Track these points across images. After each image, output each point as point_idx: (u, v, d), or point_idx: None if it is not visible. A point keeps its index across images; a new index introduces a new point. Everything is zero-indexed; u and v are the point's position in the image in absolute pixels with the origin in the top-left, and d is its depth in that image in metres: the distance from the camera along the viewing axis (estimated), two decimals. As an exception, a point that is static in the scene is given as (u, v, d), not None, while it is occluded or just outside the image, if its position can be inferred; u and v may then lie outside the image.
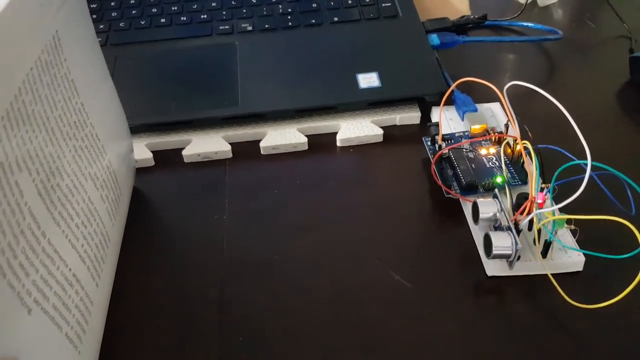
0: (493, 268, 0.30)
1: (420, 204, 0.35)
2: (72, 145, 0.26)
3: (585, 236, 0.30)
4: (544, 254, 0.30)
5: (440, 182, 0.34)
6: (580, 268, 0.30)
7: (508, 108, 0.33)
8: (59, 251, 0.23)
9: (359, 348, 0.28)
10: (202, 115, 0.39)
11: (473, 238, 0.32)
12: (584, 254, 0.30)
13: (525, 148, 0.33)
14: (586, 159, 0.27)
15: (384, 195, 0.36)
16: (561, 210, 0.29)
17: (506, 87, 0.32)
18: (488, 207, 0.31)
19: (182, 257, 0.32)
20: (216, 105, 0.40)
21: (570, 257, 0.30)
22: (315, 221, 0.34)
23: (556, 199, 0.30)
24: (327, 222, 0.34)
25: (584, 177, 0.27)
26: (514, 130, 0.33)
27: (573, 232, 0.30)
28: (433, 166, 0.34)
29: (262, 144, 0.39)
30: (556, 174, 0.29)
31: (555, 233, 0.29)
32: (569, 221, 0.29)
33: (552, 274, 0.29)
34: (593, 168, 0.27)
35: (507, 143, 0.35)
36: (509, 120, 0.34)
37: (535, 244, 0.30)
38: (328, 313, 0.29)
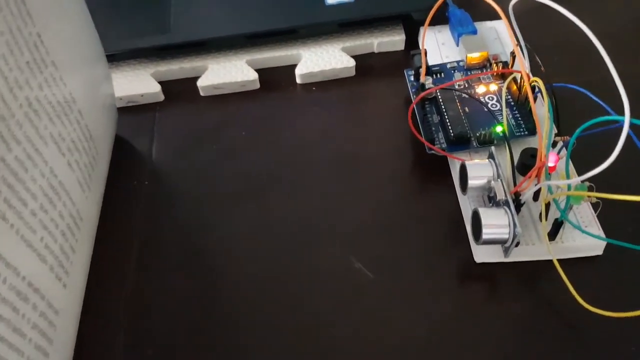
0: (483, 253, 0.23)
1: (397, 161, 0.27)
2: (23, 98, 0.18)
3: (608, 210, 0.22)
4: (552, 235, 0.22)
5: (419, 135, 0.26)
6: (599, 251, 0.23)
7: (514, 32, 0.24)
8: (5, 256, 0.16)
9: (306, 353, 0.21)
10: (124, 47, 0.31)
11: (461, 210, 0.25)
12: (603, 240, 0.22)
13: (535, 87, 0.25)
14: (618, 109, 0.19)
15: (354, 150, 0.28)
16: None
17: (512, 3, 0.23)
18: (480, 170, 0.23)
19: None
20: (142, 32, 0.31)
21: (586, 239, 0.22)
22: (262, 186, 0.27)
23: (573, 159, 0.22)
24: (275, 187, 0.27)
25: (614, 132, 0.19)
26: (522, 63, 0.25)
27: (594, 205, 0.23)
28: (410, 113, 0.26)
29: (200, 83, 0.31)
30: (578, 131, 0.21)
31: (570, 210, 0.21)
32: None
33: (560, 260, 0.21)
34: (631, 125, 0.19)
35: (514, 78, 0.27)
36: (512, 45, 0.26)
37: (541, 219, 0.23)
38: (264, 309, 0.22)
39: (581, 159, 0.22)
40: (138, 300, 0.23)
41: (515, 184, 0.23)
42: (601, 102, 0.23)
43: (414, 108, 0.27)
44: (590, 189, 0.21)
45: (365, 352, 0.21)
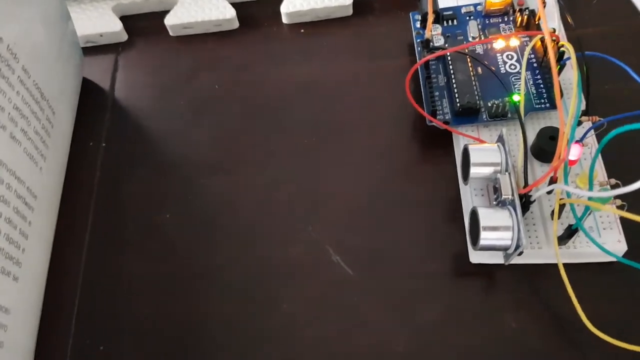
0: (480, 254, 0.20)
1: (393, 130, 0.23)
2: None
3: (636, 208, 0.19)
4: (563, 240, 0.19)
5: (417, 105, 0.22)
6: (613, 258, 0.19)
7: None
8: None
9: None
10: (79, -27, 0.26)
11: (460, 198, 0.21)
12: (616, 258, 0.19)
13: (563, 53, 0.20)
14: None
15: (343, 113, 0.24)
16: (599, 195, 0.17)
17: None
18: (485, 157, 0.19)
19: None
20: (99, -45, 0.26)
21: (604, 244, 0.19)
22: (233, 154, 0.23)
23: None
24: (248, 155, 0.23)
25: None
26: (548, 22, 0.20)
27: (619, 207, 0.19)
28: (409, 78, 0.21)
29: (168, 21, 0.26)
30: (609, 136, 0.17)
31: (589, 214, 0.18)
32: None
33: (568, 264, 0.18)
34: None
35: (541, 38, 0.22)
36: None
37: (552, 218, 0.19)
38: (229, 309, 0.20)
39: (610, 154, 0.19)
40: (91, 284, 0.21)
41: (526, 176, 0.19)
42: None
43: (409, 77, 0.23)
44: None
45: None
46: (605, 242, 0.19)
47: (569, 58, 0.20)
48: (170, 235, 0.22)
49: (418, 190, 0.22)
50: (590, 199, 0.17)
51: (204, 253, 0.21)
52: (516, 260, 0.19)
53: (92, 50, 0.26)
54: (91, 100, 0.25)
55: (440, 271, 0.20)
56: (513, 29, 0.24)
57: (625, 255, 0.19)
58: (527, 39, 0.23)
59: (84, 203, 0.22)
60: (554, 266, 0.18)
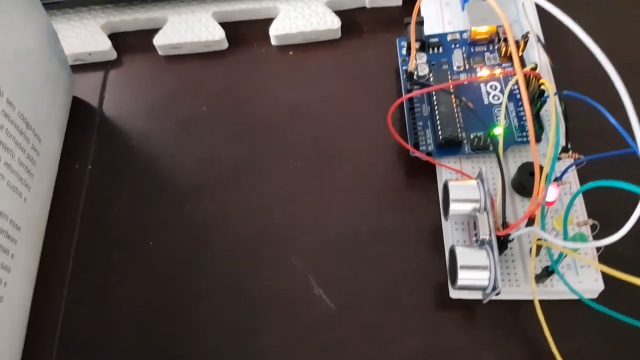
0: (457, 291, 0.20)
1: (378, 158, 0.23)
2: None
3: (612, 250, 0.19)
4: (540, 279, 0.19)
5: (400, 137, 0.22)
6: (594, 295, 0.20)
7: (529, 20, 0.19)
8: None
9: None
10: (68, -8, 0.26)
11: (442, 230, 0.21)
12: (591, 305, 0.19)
13: (544, 92, 0.20)
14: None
15: (328, 138, 0.24)
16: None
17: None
18: (464, 193, 0.20)
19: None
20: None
21: (580, 283, 0.19)
22: (218, 177, 0.23)
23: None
24: (233, 179, 0.23)
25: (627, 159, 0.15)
26: (538, 54, 0.20)
27: (592, 227, 0.19)
28: (391, 112, 0.21)
29: (157, 41, 0.26)
30: (580, 190, 0.17)
31: (561, 262, 0.18)
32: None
33: (544, 301, 0.19)
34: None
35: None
36: (530, 35, 0.21)
37: (530, 255, 0.19)
38: (213, 341, 0.20)
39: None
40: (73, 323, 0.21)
41: (504, 215, 0.19)
42: (618, 127, 0.18)
43: (391, 111, 0.22)
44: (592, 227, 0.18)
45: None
46: (582, 281, 0.19)
47: (547, 95, 0.20)
48: (154, 259, 0.22)
49: (402, 220, 0.22)
50: (564, 246, 0.17)
51: (188, 279, 0.21)
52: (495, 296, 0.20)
53: (80, 68, 0.26)
54: (79, 120, 0.25)
55: (421, 304, 0.20)
56: (498, 58, 0.24)
57: (602, 294, 0.19)
58: (509, 67, 0.23)
59: (69, 228, 0.23)
60: (532, 302, 0.19)
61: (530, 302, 0.19)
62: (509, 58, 0.23)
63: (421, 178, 0.23)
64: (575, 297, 0.20)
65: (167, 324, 0.20)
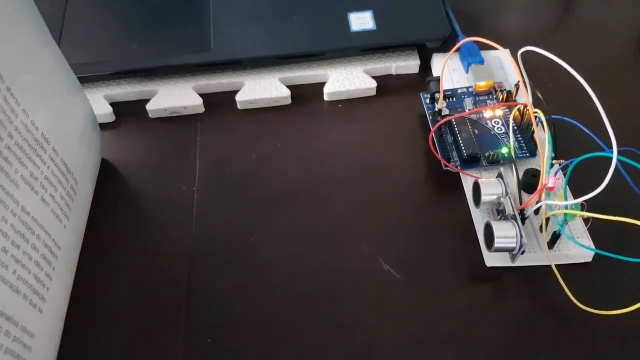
0: (493, 258, 0.27)
1: (415, 173, 0.31)
2: None
3: (597, 225, 0.27)
4: (551, 244, 0.27)
5: (438, 155, 0.30)
6: (588, 259, 0.27)
7: (522, 75, 0.28)
8: None
9: (341, 347, 0.25)
10: (169, 62, 0.34)
11: (472, 219, 0.29)
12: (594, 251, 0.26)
13: (537, 118, 0.29)
14: (607, 139, 0.23)
15: (376, 161, 0.32)
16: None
17: (520, 52, 0.27)
18: (491, 188, 0.27)
19: (144, 238, 0.29)
20: (185, 50, 0.34)
21: (579, 249, 0.27)
22: (297, 193, 0.30)
23: (569, 181, 0.26)
24: (310, 194, 0.30)
25: (602, 158, 0.23)
26: (526, 97, 0.29)
27: (585, 220, 0.27)
28: (431, 137, 0.30)
29: (238, 98, 0.34)
30: (572, 165, 0.25)
31: (566, 224, 0.26)
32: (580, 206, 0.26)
33: (557, 265, 0.26)
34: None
35: (518, 107, 0.31)
36: (519, 84, 0.30)
37: (541, 231, 0.27)
38: (306, 306, 0.26)
39: (575, 181, 0.27)
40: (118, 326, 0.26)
41: (520, 200, 0.27)
42: (592, 135, 0.27)
43: (430, 128, 0.31)
44: (582, 206, 0.26)
45: (398, 341, 0.25)
46: (579, 247, 0.27)
47: (540, 121, 0.29)
48: (252, 256, 0.28)
49: (440, 216, 0.29)
50: (566, 207, 0.25)
51: (278, 266, 0.28)
52: (519, 263, 0.27)
53: (177, 118, 0.34)
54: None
55: (464, 272, 0.27)
56: (497, 102, 0.33)
57: (593, 258, 0.27)
58: (508, 110, 0.32)
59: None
60: (547, 267, 0.26)
61: (546, 267, 0.26)
62: (505, 101, 0.32)
63: (449, 186, 0.30)
64: (576, 261, 0.27)
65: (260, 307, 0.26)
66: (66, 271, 0.26)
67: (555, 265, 0.26)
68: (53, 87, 0.26)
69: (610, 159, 0.22)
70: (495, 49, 0.28)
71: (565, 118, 0.28)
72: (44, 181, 0.24)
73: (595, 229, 0.27)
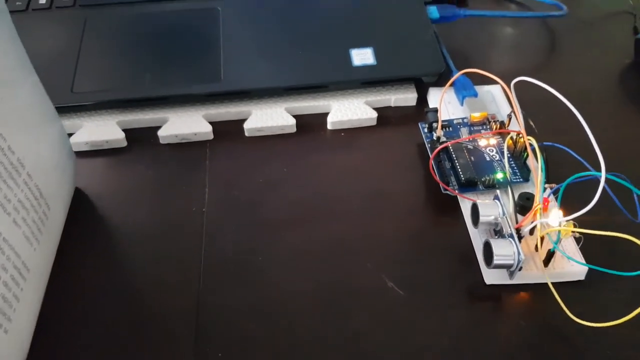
0: (492, 276, 0.28)
1: (415, 197, 0.33)
2: None
3: (589, 243, 0.28)
4: (546, 262, 0.28)
5: (438, 179, 0.32)
6: (582, 277, 0.29)
7: (515, 104, 0.30)
8: None
9: (349, 360, 0.26)
10: (181, 91, 0.36)
11: (471, 239, 0.30)
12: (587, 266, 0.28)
13: (530, 145, 0.31)
14: (595, 161, 0.25)
15: (378, 186, 0.33)
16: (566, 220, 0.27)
17: (513, 82, 0.29)
18: (489, 209, 0.29)
19: (157, 253, 0.30)
20: (196, 80, 0.36)
21: (572, 266, 0.28)
22: (303, 215, 0.32)
23: (562, 202, 0.28)
24: (315, 216, 0.32)
25: (591, 181, 0.25)
26: (519, 125, 0.31)
27: (577, 239, 0.29)
28: (431, 162, 0.32)
29: (246, 126, 0.36)
30: (564, 185, 0.27)
31: (560, 242, 0.27)
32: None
33: (552, 283, 0.27)
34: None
35: (511, 136, 0.33)
36: (513, 113, 0.32)
37: (537, 250, 0.28)
38: (314, 322, 0.27)
39: (567, 203, 0.28)
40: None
41: (516, 220, 0.29)
42: (581, 159, 0.29)
43: (429, 154, 0.33)
44: (574, 225, 0.27)
45: (402, 355, 0.26)
46: (573, 265, 0.28)
47: (533, 147, 0.31)
48: (260, 275, 0.29)
49: (440, 237, 0.31)
50: (559, 224, 0.26)
51: (285, 287, 0.29)
52: (517, 281, 0.28)
53: (187, 144, 0.35)
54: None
55: (462, 290, 0.28)
56: (490, 132, 0.35)
57: (586, 275, 0.28)
58: (501, 139, 0.34)
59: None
60: (543, 284, 0.27)
61: (542, 285, 0.28)
62: (498, 132, 0.34)
63: (447, 209, 0.32)
64: (570, 279, 0.28)
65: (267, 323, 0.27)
66: (34, 294, 0.26)
67: (551, 283, 0.27)
68: (31, 115, 0.27)
69: (598, 182, 0.24)
70: (490, 79, 0.30)
71: (555, 144, 0.30)
72: (17, 204, 0.24)
73: (587, 248, 0.28)
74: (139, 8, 0.40)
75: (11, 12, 0.39)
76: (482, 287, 0.29)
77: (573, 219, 0.27)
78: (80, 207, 0.32)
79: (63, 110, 0.35)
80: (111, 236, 0.31)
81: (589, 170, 0.28)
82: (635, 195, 0.28)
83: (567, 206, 0.29)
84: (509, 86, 0.30)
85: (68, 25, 0.38)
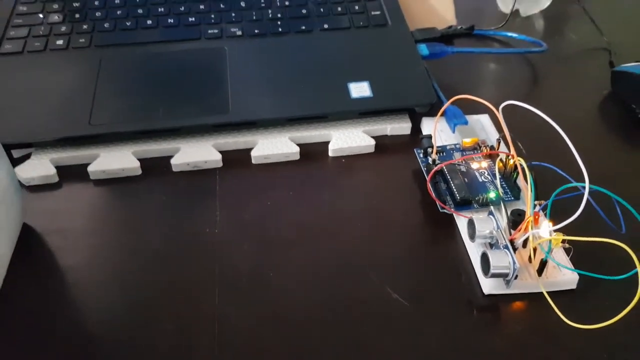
0: (490, 286, 0.30)
1: (413, 217, 0.35)
2: None
3: (578, 254, 0.30)
4: (540, 272, 0.30)
5: (435, 198, 0.34)
6: (574, 286, 0.30)
7: (504, 127, 0.33)
8: None
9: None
10: (192, 123, 0.38)
11: (468, 254, 0.32)
12: (578, 272, 0.30)
13: (520, 164, 0.33)
14: (579, 177, 0.27)
15: (378, 208, 0.35)
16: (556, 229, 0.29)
17: (502, 106, 0.32)
18: (484, 224, 0.31)
19: (174, 272, 0.32)
20: (206, 112, 0.39)
21: (564, 276, 0.30)
22: (309, 235, 0.34)
23: (551, 216, 0.30)
24: (321, 235, 0.34)
25: (577, 195, 0.28)
26: (508, 148, 0.34)
27: (567, 250, 0.31)
28: (429, 183, 0.34)
29: (253, 154, 0.38)
30: (553, 196, 0.30)
31: (551, 252, 0.29)
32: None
33: (547, 292, 0.29)
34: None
35: (500, 159, 0.35)
36: (502, 137, 0.35)
37: (530, 261, 0.31)
38: (325, 333, 0.29)
39: (555, 217, 0.31)
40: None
41: (510, 234, 0.31)
42: (565, 175, 0.32)
43: (425, 177, 0.35)
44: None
45: None
46: (565, 274, 0.30)
47: (522, 167, 0.33)
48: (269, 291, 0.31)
49: (437, 254, 0.33)
50: (550, 233, 0.29)
51: (296, 300, 0.30)
52: (513, 290, 0.30)
53: (198, 172, 0.37)
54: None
55: (462, 301, 0.30)
56: (481, 157, 0.37)
57: (577, 284, 0.30)
58: (491, 162, 0.37)
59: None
60: (538, 293, 0.29)
61: (536, 294, 0.30)
62: (488, 155, 0.37)
63: (443, 227, 0.34)
64: (561, 288, 0.30)
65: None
66: None
67: (547, 292, 0.29)
68: None
69: (582, 195, 0.27)
70: (479, 109, 0.33)
71: (543, 163, 0.33)
72: None
73: (576, 258, 0.31)
74: (151, 48, 0.43)
75: (30, 52, 0.42)
76: (481, 297, 0.30)
77: (562, 228, 0.29)
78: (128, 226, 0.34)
79: (81, 141, 0.37)
80: (128, 256, 0.33)
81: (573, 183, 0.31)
82: (617, 206, 0.30)
83: (557, 220, 0.31)
84: (497, 110, 0.32)
85: (84, 64, 0.41)
